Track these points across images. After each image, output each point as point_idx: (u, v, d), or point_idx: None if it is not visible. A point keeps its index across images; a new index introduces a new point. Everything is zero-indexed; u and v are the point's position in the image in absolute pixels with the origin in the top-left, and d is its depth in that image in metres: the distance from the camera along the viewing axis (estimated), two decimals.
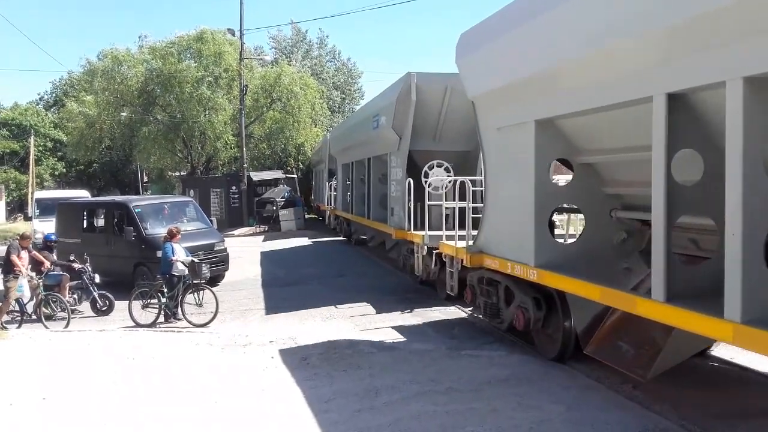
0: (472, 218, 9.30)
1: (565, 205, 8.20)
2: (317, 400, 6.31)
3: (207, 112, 31.74)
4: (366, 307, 11.42)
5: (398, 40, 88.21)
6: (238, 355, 8.27)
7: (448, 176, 11.70)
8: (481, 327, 9.54)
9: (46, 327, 10.66)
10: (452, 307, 11.00)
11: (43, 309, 11.05)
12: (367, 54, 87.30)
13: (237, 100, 31.39)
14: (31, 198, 28.32)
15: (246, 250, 20.52)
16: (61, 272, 11.65)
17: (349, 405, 6.18)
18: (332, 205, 23.73)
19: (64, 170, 46.93)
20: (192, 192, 29.97)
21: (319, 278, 15.08)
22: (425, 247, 11.38)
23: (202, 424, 5.87)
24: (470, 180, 9.79)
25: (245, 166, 30.99)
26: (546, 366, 7.31)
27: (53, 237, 12.97)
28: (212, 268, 12.29)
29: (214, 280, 13.61)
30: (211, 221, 16.38)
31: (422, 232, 11.43)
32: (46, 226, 18.40)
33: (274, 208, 28.95)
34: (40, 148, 44.66)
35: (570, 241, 8.76)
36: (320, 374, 7.21)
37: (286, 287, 14.06)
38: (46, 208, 22.13)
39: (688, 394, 6.39)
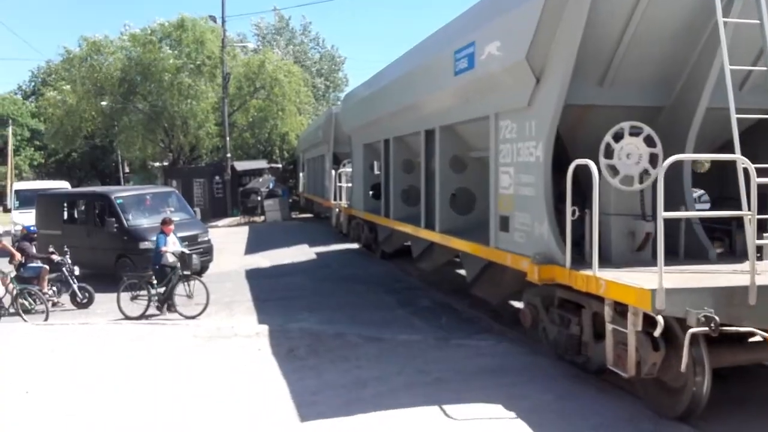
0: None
1: None
2: (304, 392, 6.25)
3: (188, 101, 31.32)
4: None
5: (382, 27, 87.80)
6: (224, 346, 8.17)
7: (651, 152, 5.96)
8: (469, 317, 9.53)
9: (24, 321, 10.47)
10: None
11: (21, 301, 10.86)
12: (351, 41, 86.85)
13: (220, 88, 31.03)
14: (10, 189, 27.83)
15: (230, 242, 20.35)
16: (40, 264, 11.46)
17: (336, 397, 6.14)
18: (342, 201, 18.03)
19: (43, 160, 46.22)
20: (174, 182, 29.65)
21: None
22: (660, 317, 4.87)
23: (187, 415, 5.80)
24: None
25: (229, 155, 30.70)
26: (534, 356, 7.30)
27: (33, 229, 12.76)
28: None
29: (199, 272, 13.47)
30: (194, 212, 16.22)
31: (646, 280, 5.09)
32: (25, 218, 18.10)
33: (259, 198, 28.67)
34: (18, 138, 43.90)
35: None
36: (307, 366, 7.15)
37: (272, 279, 13.95)
38: (25, 199, 21.81)
39: None
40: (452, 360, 7.23)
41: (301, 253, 17.30)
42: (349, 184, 16.91)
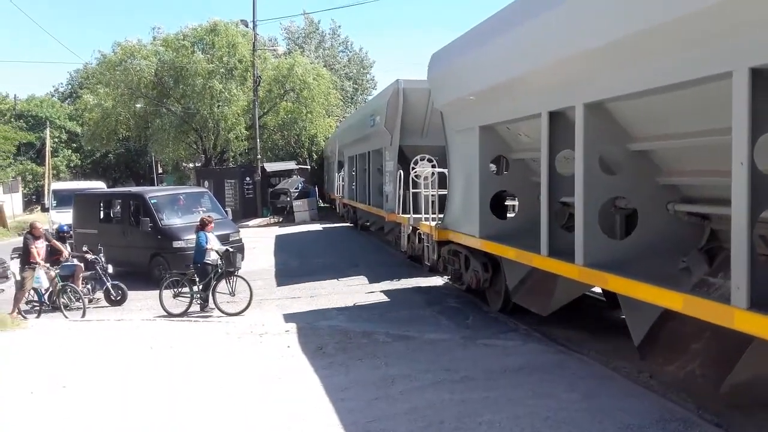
0: None
1: None
2: (334, 389, 6.35)
3: (219, 104, 31.85)
4: None
5: (411, 31, 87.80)
6: (254, 343, 8.34)
7: None
8: (495, 316, 9.53)
9: (65, 316, 10.79)
10: None
11: (61, 299, 11.20)
12: (380, 44, 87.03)
13: (250, 91, 31.48)
14: (48, 189, 28.62)
15: (260, 241, 20.62)
16: (75, 263, 11.80)
17: (365, 394, 6.22)
18: (425, 216, 11.71)
19: (80, 162, 47.34)
20: (206, 183, 30.15)
21: None
22: None
23: (219, 410, 5.94)
24: None
25: (259, 157, 31.10)
26: (560, 355, 7.30)
27: (66, 228, 13.12)
28: None
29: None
30: (226, 212, 16.47)
31: None
32: (63, 217, 18.63)
33: (288, 198, 29.02)
34: (56, 140, 45.03)
35: None
36: (336, 363, 7.25)
37: (301, 277, 14.09)
38: (62, 199, 22.42)
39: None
40: (479, 359, 7.27)
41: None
42: (430, 192, 11.56)
